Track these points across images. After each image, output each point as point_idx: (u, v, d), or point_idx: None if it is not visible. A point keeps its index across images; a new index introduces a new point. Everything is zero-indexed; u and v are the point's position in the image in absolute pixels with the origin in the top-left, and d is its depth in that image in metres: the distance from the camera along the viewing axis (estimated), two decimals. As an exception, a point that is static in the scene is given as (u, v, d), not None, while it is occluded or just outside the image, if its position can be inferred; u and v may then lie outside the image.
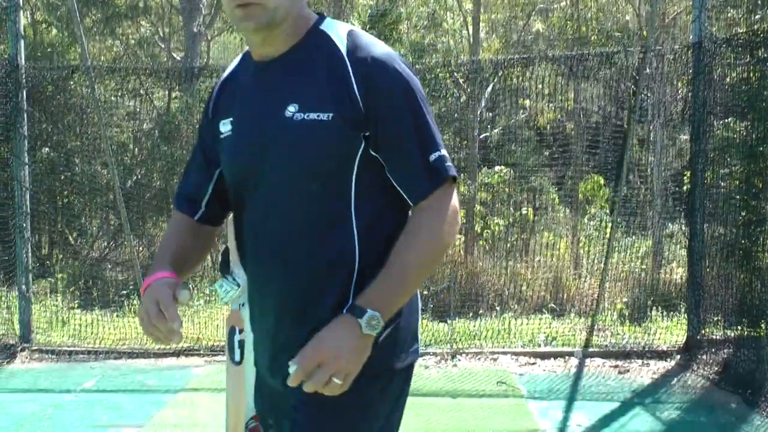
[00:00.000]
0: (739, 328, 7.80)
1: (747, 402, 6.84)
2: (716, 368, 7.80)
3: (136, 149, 15.14)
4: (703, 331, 8.33)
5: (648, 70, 9.39)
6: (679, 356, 8.47)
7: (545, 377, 7.95)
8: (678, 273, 10.90)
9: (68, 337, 9.48)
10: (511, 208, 15.77)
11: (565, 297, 12.16)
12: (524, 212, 16.57)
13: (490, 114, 15.79)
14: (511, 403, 6.98)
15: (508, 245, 15.08)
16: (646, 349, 8.72)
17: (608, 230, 15.84)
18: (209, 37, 25.09)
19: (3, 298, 9.42)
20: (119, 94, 13.81)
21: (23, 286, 8.90)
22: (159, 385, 7.59)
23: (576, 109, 13.08)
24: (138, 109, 14.24)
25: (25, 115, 9.02)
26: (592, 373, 8.09)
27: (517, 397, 7.19)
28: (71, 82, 11.53)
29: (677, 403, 7.02)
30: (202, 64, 21.90)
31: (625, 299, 10.85)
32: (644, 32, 17.28)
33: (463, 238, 16.10)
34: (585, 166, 13.18)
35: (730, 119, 8.23)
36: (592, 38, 19.37)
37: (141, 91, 14.69)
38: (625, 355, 8.61)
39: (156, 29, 24.79)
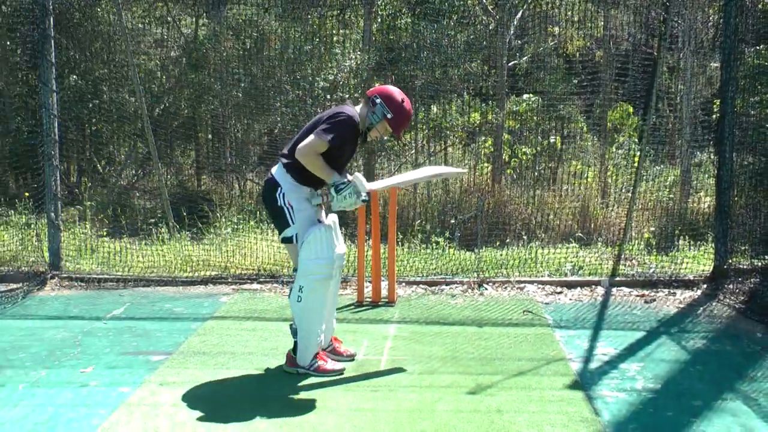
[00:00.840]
0: (767, 257, 7.76)
1: None
2: (742, 297, 7.84)
3: (164, 77, 15.10)
4: (729, 261, 8.33)
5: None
6: (705, 286, 8.49)
7: (571, 306, 7.97)
8: (706, 202, 10.80)
9: (97, 264, 9.58)
10: (539, 137, 15.69)
11: (592, 226, 12.12)
12: (552, 141, 16.50)
13: (519, 41, 15.61)
14: (537, 332, 6.99)
15: (536, 174, 15.03)
16: (673, 278, 8.72)
17: (636, 159, 15.78)
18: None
19: (33, 226, 9.50)
20: (146, 21, 13.74)
21: (52, 214, 8.97)
22: (187, 313, 7.68)
23: (605, 37, 12.84)
24: (165, 37, 14.17)
25: (53, 42, 8.95)
26: (618, 302, 8.10)
27: (543, 326, 7.21)
28: (98, 9, 11.46)
29: (702, 332, 7.02)
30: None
31: (652, 228, 10.80)
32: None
33: (489, 167, 16.09)
34: (614, 95, 13.07)
35: (762, 46, 8.08)
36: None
37: (168, 18, 14.62)
38: (652, 284, 8.63)
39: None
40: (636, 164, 12.50)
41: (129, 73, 11.66)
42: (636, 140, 16.71)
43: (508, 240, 10.98)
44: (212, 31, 13.66)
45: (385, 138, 5.83)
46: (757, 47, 8.21)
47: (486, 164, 16.33)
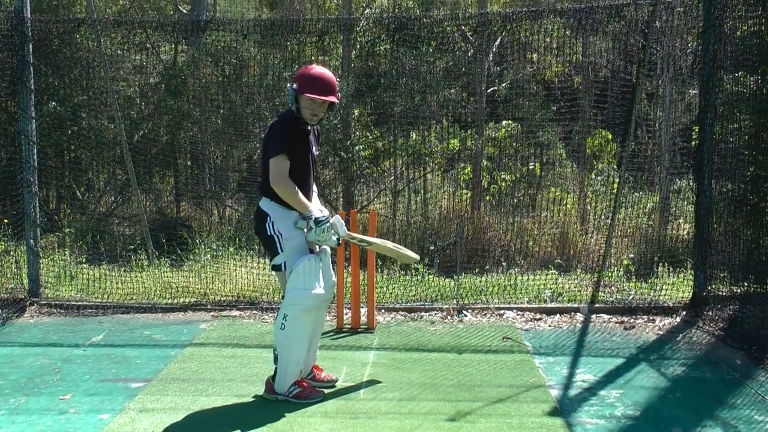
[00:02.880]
0: (746, 284, 7.81)
1: (752, 358, 6.91)
2: (722, 324, 7.86)
3: (143, 103, 15.13)
4: (709, 287, 8.36)
5: (657, 24, 9.33)
6: (684, 312, 8.53)
7: (551, 333, 8.00)
8: (685, 229, 10.87)
9: (76, 291, 9.56)
10: (518, 163, 15.79)
11: (571, 253, 12.16)
12: (531, 167, 16.59)
13: (498, 68, 15.70)
14: (517, 359, 7.02)
15: (515, 201, 15.11)
16: (652, 305, 8.77)
17: (615, 186, 15.87)
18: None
19: (12, 253, 9.47)
20: (125, 47, 13.77)
21: (31, 241, 8.96)
22: (167, 340, 7.66)
23: (584, 63, 12.93)
24: (144, 63, 14.19)
25: (32, 69, 8.98)
26: (598, 328, 8.13)
27: (523, 352, 7.23)
28: (77, 36, 11.48)
29: (682, 359, 7.05)
30: (209, 17, 21.76)
31: (631, 255, 10.87)
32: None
33: (469, 194, 16.17)
34: (593, 121, 13.15)
35: (740, 73, 8.15)
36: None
37: (147, 45, 14.66)
38: (631, 311, 8.68)
39: (162, -19, 24.68)
40: (615, 191, 12.60)
41: (108, 100, 11.66)
42: (615, 167, 16.85)
43: (487, 267, 11.02)
44: (191, 58, 13.70)
45: (322, 113, 5.64)
46: (736, 74, 8.28)
47: (465, 191, 16.41)
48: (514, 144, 15.41)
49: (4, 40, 8.78)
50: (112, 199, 17.11)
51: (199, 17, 21.23)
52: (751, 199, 7.74)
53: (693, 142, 9.77)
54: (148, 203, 14.64)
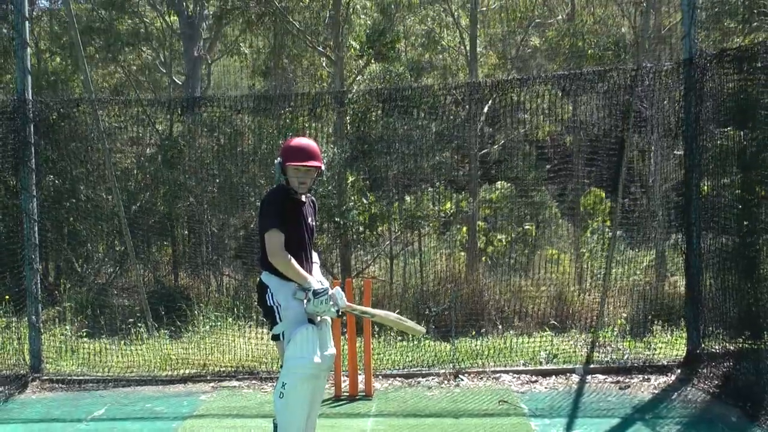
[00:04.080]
0: (740, 341, 7.93)
1: (747, 415, 7.00)
2: (717, 381, 7.95)
3: (140, 175, 15.34)
4: (703, 345, 8.47)
5: (640, 87, 9.56)
6: (679, 370, 8.62)
7: (547, 394, 8.11)
8: (681, 285, 10.99)
9: (77, 365, 9.69)
10: (513, 224, 15.95)
11: (569, 312, 12.24)
12: (526, 227, 16.75)
13: (490, 129, 15.91)
14: (513, 422, 7.13)
15: (511, 261, 15.24)
16: (647, 363, 8.87)
17: (607, 243, 15.99)
18: (210, 61, 25.38)
19: (14, 329, 9.61)
20: (122, 120, 14.02)
21: (33, 317, 9.10)
22: (167, 412, 7.77)
23: (573, 123, 13.07)
24: (140, 135, 14.39)
25: (33, 149, 9.21)
26: (593, 389, 8.24)
27: (519, 415, 7.34)
28: (75, 112, 11.72)
29: (677, 417, 7.17)
30: (203, 91, 22.20)
31: (625, 314, 11.00)
32: (640, 45, 17.48)
33: (464, 255, 16.31)
34: (586, 179, 13.26)
35: (728, 128, 8.33)
36: (589, 52, 19.57)
37: (143, 116, 14.90)
38: (626, 370, 8.78)
39: (157, 55, 25.07)
40: (607, 249, 12.75)
41: (106, 173, 11.90)
42: (609, 225, 17.00)
43: (483, 329, 11.15)
44: (187, 128, 13.95)
45: (309, 180, 5.82)
46: (724, 129, 8.45)
47: (461, 252, 16.58)
48: (508, 204, 15.61)
49: (7, 121, 9.01)
50: (111, 270, 17.26)
51: (194, 88, 21.68)
52: (745, 254, 7.89)
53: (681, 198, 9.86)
54: (146, 273, 14.77)
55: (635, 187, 12.59)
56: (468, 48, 19.51)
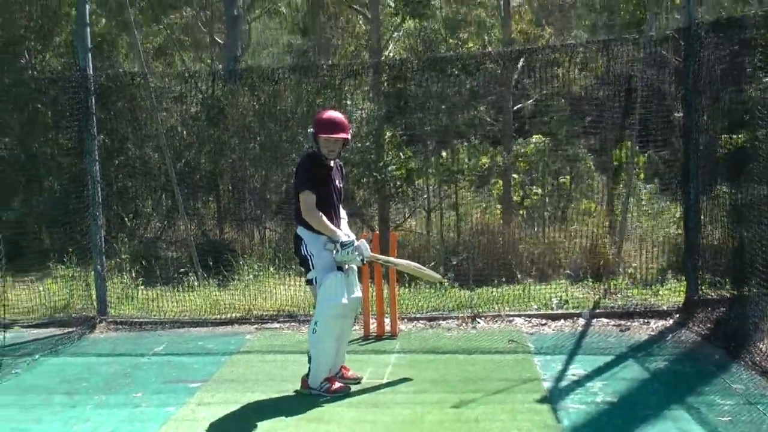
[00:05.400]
0: (730, 288, 9.15)
1: (730, 354, 8.13)
2: (709, 325, 9.11)
3: (185, 133, 16.52)
4: (699, 292, 9.66)
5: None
6: (677, 315, 9.82)
7: (553, 335, 9.41)
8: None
9: (136, 310, 11.25)
10: (548, 177, 16.92)
11: (601, 262, 13.10)
12: (561, 180, 17.71)
13: (526, 81, 16.56)
14: (519, 358, 8.43)
15: (546, 213, 16.24)
16: (648, 309, 10.10)
17: (644, 196, 17.01)
18: (249, 20, 26.51)
19: (80, 277, 11.17)
20: (167, 79, 15.23)
21: (98, 266, 10.63)
22: (217, 348, 9.25)
23: (606, 76, 13.19)
24: (185, 93, 15.49)
25: (95, 118, 10.68)
26: (596, 331, 9.50)
27: (525, 352, 8.64)
28: (130, 83, 13.01)
29: (667, 355, 8.37)
30: (244, 49, 23.26)
31: (636, 264, 12.09)
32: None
33: (500, 208, 17.32)
34: (617, 133, 14.05)
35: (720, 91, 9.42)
36: (621, 5, 20.38)
37: (186, 75, 16.10)
38: (629, 315, 10.00)
39: (198, 15, 26.22)
40: (636, 202, 13.67)
41: (154, 131, 13.26)
42: (640, 178, 17.86)
43: (504, 278, 12.35)
44: (229, 90, 15.11)
45: (337, 148, 7.20)
46: (715, 92, 9.49)
47: (497, 206, 17.62)
48: (544, 158, 16.57)
49: (72, 92, 10.48)
50: (158, 224, 18.58)
51: (234, 47, 22.89)
52: (734, 206, 9.07)
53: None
54: (192, 227, 16.03)
55: (675, 138, 13.04)
56: (502, 3, 20.35)
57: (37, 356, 9.05)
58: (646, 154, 17.97)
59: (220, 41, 25.75)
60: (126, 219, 16.77)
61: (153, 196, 17.74)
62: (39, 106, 18.70)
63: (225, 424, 6.64)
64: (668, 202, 14.70)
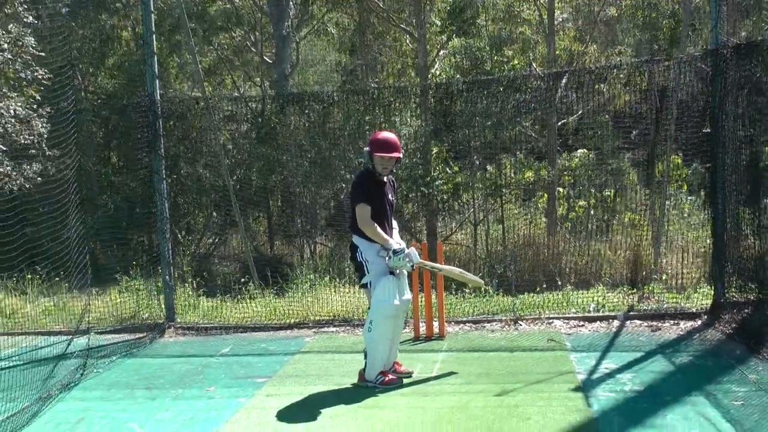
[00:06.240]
0: (754, 290, 10.16)
1: (750, 350, 9.12)
2: (734, 325, 10.11)
3: (235, 150, 17.67)
4: (726, 295, 10.65)
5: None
6: (705, 317, 10.82)
7: (589, 335, 10.46)
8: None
9: (200, 317, 12.53)
10: (591, 190, 17.79)
11: (644, 274, 13.85)
12: (606, 193, 18.57)
13: (569, 98, 17.33)
14: (557, 355, 9.50)
15: (591, 226, 17.11)
16: (679, 311, 11.10)
17: (686, 207, 17.93)
18: (297, 40, 27.82)
19: (149, 288, 12.49)
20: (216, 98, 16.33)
21: (167, 276, 11.92)
22: (279, 350, 10.47)
23: (652, 91, 14.01)
24: (235, 113, 16.65)
25: (161, 140, 11.98)
26: (629, 332, 10.53)
27: (563, 350, 9.69)
28: (194, 107, 14.21)
29: (692, 351, 9.37)
30: (292, 68, 24.37)
31: (670, 270, 13.05)
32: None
33: (545, 221, 18.20)
34: (663, 146, 14.87)
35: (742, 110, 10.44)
36: (663, 22, 21.29)
37: (235, 94, 17.27)
38: (660, 316, 11.02)
39: (247, 36, 27.49)
40: (686, 213, 14.31)
41: (203, 149, 14.41)
42: (684, 190, 18.74)
43: (545, 285, 13.37)
44: (279, 107, 16.24)
45: (391, 166, 8.35)
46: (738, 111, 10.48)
47: (542, 218, 18.53)
48: (588, 172, 17.46)
49: (142, 115, 11.78)
50: (210, 240, 19.80)
51: (283, 67, 24.12)
52: (754, 217, 10.12)
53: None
54: (244, 243, 17.15)
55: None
56: (546, 21, 21.37)
57: (114, 358, 10.32)
58: (692, 167, 18.92)
59: (269, 60, 26.99)
60: (179, 235, 17.92)
61: (205, 212, 18.92)
62: (93, 129, 19.93)
63: (291, 411, 7.80)
64: (706, 212, 15.43)
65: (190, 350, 10.74)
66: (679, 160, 18.84)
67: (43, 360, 9.98)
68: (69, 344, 10.08)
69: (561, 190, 19.81)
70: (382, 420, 7.39)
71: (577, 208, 19.19)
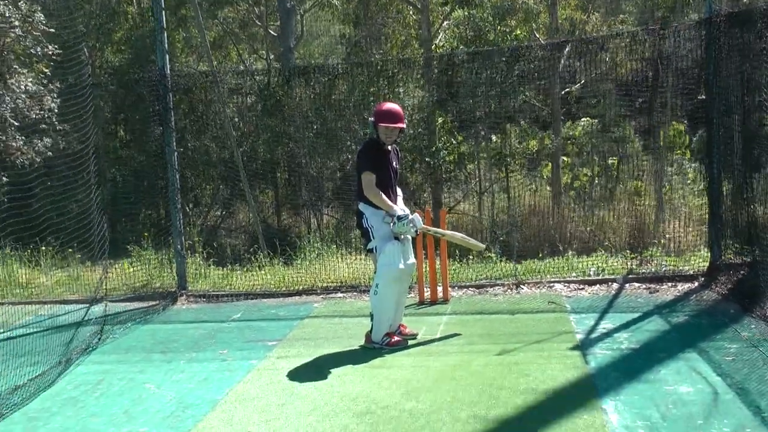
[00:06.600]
0: (747, 251, 10.60)
1: (744, 309, 9.55)
2: (729, 286, 10.52)
3: (241, 123, 18.00)
4: (722, 257, 11.10)
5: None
6: (702, 279, 11.25)
7: (588, 298, 10.92)
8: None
9: (210, 286, 13.02)
10: (596, 158, 18.13)
11: (647, 239, 14.10)
12: (610, 162, 18.93)
13: (572, 67, 17.58)
14: (557, 316, 9.95)
15: (594, 194, 17.47)
16: (677, 273, 11.53)
17: (690, 176, 18.33)
18: (302, 12, 28.23)
19: (161, 257, 12.98)
20: (223, 71, 16.62)
21: (178, 246, 12.40)
22: (288, 315, 10.96)
23: (650, 59, 14.14)
24: (241, 85, 16.95)
25: (172, 113, 12.43)
26: (628, 294, 10.97)
27: (562, 312, 10.16)
28: (203, 81, 14.60)
29: (687, 311, 9.80)
30: (297, 40, 24.62)
31: (669, 235, 13.41)
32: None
33: (549, 189, 18.58)
34: (669, 112, 15.13)
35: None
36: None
37: (242, 67, 17.63)
38: (659, 279, 11.43)
39: (252, 9, 27.78)
40: (690, 180, 14.61)
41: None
42: (687, 158, 19.10)
43: (546, 251, 13.78)
44: (284, 79, 16.63)
45: (394, 136, 8.79)
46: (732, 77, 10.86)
47: (547, 187, 18.91)
48: (592, 140, 17.80)
49: (152, 90, 12.21)
50: (218, 213, 20.17)
51: (287, 39, 24.46)
52: (746, 178, 10.53)
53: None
54: (250, 214, 17.52)
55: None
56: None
57: (130, 324, 10.85)
58: (697, 135, 19.24)
59: (273, 33, 27.31)
60: (187, 208, 18.33)
61: (212, 185, 19.27)
62: (101, 103, 20.25)
63: (302, 371, 8.27)
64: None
65: (202, 316, 11.23)
66: (683, 128, 19.14)
67: (61, 326, 10.48)
68: (87, 311, 10.56)
69: (565, 159, 20.18)
70: (389, 378, 7.83)
71: (581, 176, 19.55)
